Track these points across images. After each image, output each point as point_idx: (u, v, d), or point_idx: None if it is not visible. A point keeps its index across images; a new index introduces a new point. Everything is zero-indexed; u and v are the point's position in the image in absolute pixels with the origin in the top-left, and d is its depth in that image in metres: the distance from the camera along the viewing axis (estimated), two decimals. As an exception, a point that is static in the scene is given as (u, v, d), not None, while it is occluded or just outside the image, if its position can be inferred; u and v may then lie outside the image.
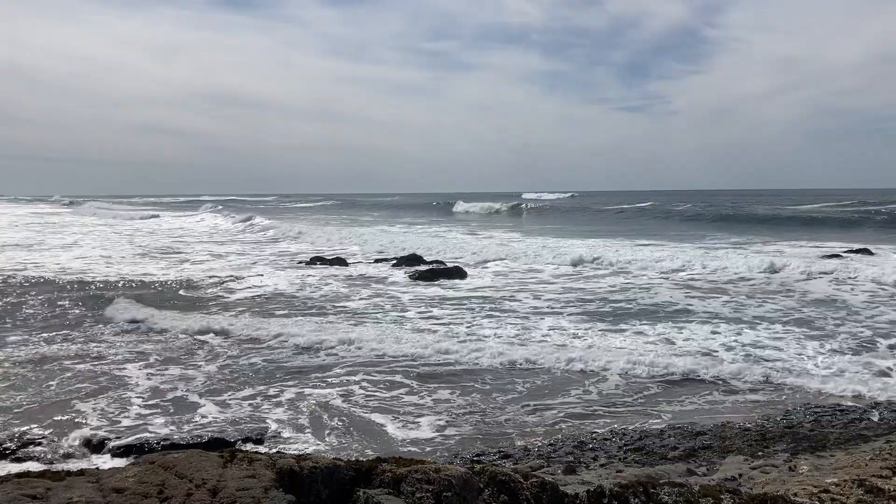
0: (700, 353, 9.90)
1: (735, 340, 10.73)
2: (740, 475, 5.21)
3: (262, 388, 8.34)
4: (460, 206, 70.33)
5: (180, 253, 25.85)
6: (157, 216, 56.73)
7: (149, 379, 8.62)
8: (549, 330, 11.59)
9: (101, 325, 11.76)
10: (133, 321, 11.94)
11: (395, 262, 21.53)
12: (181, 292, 15.92)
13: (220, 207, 69.33)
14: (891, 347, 10.23)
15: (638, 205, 62.66)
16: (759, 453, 5.81)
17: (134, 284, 16.95)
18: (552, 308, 13.72)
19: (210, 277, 18.26)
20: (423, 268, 19.60)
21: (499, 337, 11.04)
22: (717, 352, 10.08)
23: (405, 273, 18.98)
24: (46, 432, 6.69)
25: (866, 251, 22.97)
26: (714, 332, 11.29)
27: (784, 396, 8.03)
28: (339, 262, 21.76)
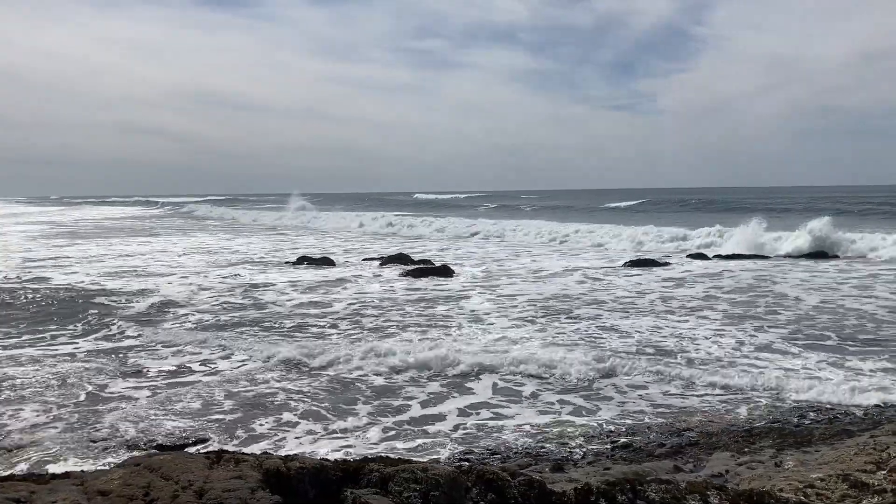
0: None
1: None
2: (727, 471, 5.24)
3: None
4: (200, 210, 72.17)
5: None
6: None
7: None
8: None
9: None
10: None
11: None
12: None
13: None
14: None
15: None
16: (746, 449, 5.85)
17: None
18: None
19: None
20: None
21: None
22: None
23: None
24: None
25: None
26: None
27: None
28: None
